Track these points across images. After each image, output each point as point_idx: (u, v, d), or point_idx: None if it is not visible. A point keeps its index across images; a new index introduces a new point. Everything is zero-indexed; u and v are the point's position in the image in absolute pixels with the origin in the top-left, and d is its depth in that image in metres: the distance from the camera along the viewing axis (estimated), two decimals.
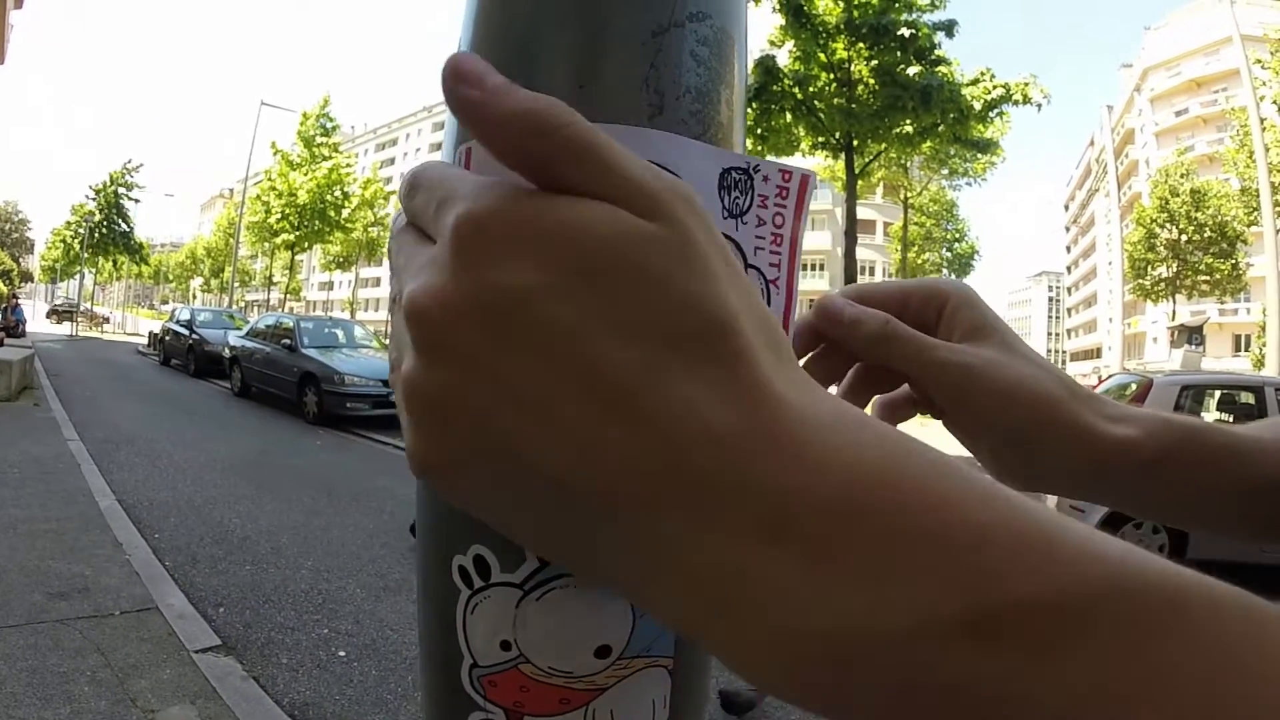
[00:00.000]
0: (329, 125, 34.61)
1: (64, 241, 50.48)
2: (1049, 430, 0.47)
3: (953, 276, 35.86)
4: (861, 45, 11.20)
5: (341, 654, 3.95)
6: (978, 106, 12.00)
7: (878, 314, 0.49)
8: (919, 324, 0.51)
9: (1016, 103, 12.27)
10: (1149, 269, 37.28)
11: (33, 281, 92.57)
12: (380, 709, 3.45)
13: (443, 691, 0.44)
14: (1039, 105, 12.20)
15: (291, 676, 3.68)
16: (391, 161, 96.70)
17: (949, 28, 11.78)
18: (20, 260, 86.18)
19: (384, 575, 5.17)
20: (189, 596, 4.45)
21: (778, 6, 11.21)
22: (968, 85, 12.10)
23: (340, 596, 4.74)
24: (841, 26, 11.07)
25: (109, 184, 43.52)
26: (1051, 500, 7.06)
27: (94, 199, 44.23)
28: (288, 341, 13.76)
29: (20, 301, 34.36)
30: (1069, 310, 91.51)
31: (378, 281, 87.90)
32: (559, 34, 0.45)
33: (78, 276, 49.72)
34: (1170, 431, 0.48)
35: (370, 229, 52.32)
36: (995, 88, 12.15)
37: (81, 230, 44.78)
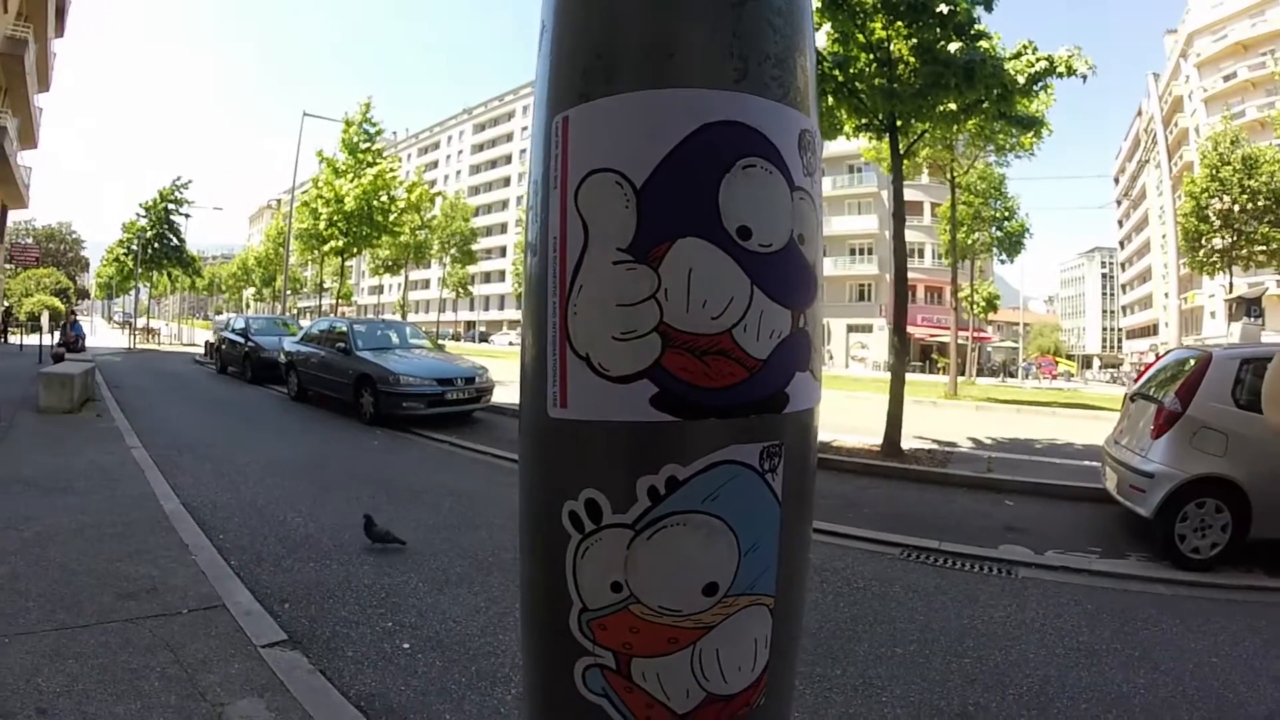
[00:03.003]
0: (372, 131, 34.89)
1: (118, 259, 51.67)
2: None
3: (1003, 256, 34.79)
4: (900, 24, 11.02)
5: (405, 646, 4.01)
6: (1021, 81, 11.74)
7: None
8: None
9: (1061, 75, 11.95)
10: (1202, 241, 36.09)
11: (89, 298, 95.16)
12: (445, 698, 3.50)
13: (549, 640, 0.46)
14: (1084, 77, 11.92)
15: (357, 669, 3.74)
16: (435, 165, 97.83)
17: (988, 1, 11.55)
18: (76, 278, 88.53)
19: (446, 569, 5.24)
20: (255, 594, 4.54)
21: None
22: (1010, 59, 11.83)
23: (403, 590, 4.82)
24: (879, 5, 10.91)
25: (159, 201, 44.47)
26: (1111, 482, 6.92)
27: (145, 216, 45.25)
28: (342, 345, 13.99)
29: (78, 317, 35.32)
30: (1123, 286, 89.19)
31: (427, 283, 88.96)
32: (644, 6, 0.51)
33: (133, 291, 50.90)
34: None
35: (418, 232, 52.72)
36: (1038, 60, 11.85)
37: (134, 247, 45.84)
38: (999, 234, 37.76)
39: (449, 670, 3.76)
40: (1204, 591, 5.52)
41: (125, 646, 3.70)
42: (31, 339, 30.63)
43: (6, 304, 48.78)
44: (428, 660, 3.86)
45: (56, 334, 27.20)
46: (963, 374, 34.80)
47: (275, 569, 5.11)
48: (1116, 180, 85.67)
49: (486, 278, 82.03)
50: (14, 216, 45.61)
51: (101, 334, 51.37)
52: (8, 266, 44.05)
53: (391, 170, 35.51)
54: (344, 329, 14.51)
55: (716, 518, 0.42)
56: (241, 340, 20.12)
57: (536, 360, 0.44)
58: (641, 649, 0.44)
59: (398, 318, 58.72)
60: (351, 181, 33.51)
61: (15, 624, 3.89)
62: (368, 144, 34.70)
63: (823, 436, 11.28)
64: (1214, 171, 35.04)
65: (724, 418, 0.42)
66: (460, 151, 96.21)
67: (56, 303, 53.72)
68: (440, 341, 18.21)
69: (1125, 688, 3.84)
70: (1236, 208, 34.35)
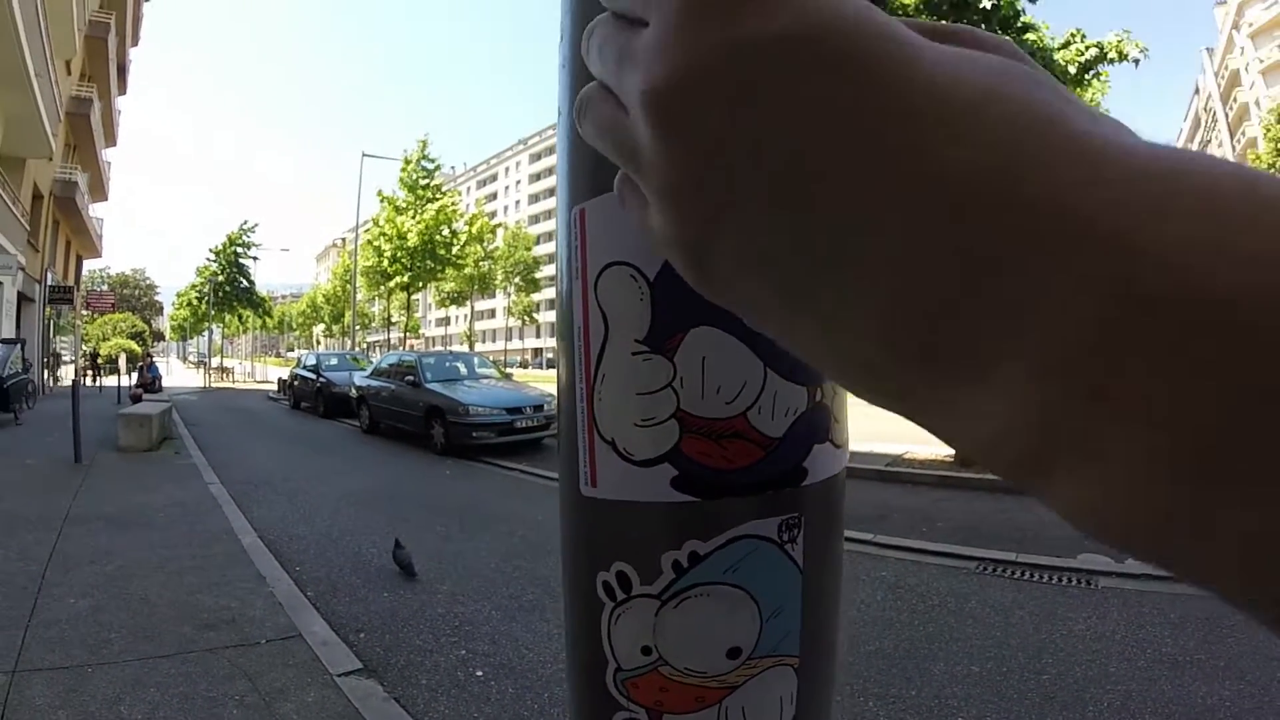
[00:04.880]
0: (430, 167, 35.64)
1: (190, 303, 53.63)
2: None
3: None
4: (944, 22, 10.93)
5: (479, 673, 4.05)
6: (1073, 71, 11.54)
7: None
8: None
9: (1112, 61, 11.74)
10: None
11: (164, 340, 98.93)
12: None
13: (589, 694, 0.49)
14: (1136, 61, 11.66)
15: (431, 696, 3.79)
16: (493, 196, 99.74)
17: None
18: (151, 322, 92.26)
19: (518, 596, 5.29)
20: (331, 624, 4.63)
21: None
22: (1059, 50, 11.64)
23: (476, 618, 4.86)
24: (921, 6, 10.82)
25: (228, 245, 46.11)
26: None
27: (215, 260, 46.94)
28: (411, 378, 14.20)
29: (155, 359, 36.75)
30: None
31: (493, 313, 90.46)
32: None
33: (206, 332, 52.73)
34: None
35: (481, 263, 53.66)
36: (1088, 48, 11.63)
37: (206, 290, 47.56)
38: None
39: (522, 697, 3.80)
40: None
41: (205, 676, 3.82)
42: (110, 380, 31.83)
43: (87, 348, 50.91)
44: (500, 687, 3.90)
45: (134, 375, 28.24)
46: None
47: (350, 599, 5.21)
48: None
49: (551, 304, 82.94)
50: (89, 265, 47.67)
51: (177, 374, 53.15)
52: (84, 313, 46.00)
53: (452, 205, 36.23)
54: (412, 362, 14.76)
55: (737, 588, 0.44)
56: (313, 376, 20.65)
57: (569, 440, 0.47)
58: (671, 706, 0.46)
59: (465, 348, 59.71)
60: (413, 218, 34.28)
61: (99, 654, 4.04)
62: (427, 180, 35.46)
63: (895, 449, 11.16)
64: (1279, 146, 33.64)
65: (741, 495, 0.44)
66: (518, 181, 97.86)
67: (133, 345, 55.98)
68: (508, 370, 18.40)
69: (1210, 700, 3.70)
70: None
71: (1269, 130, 35.18)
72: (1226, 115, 60.60)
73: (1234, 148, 57.69)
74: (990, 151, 0.18)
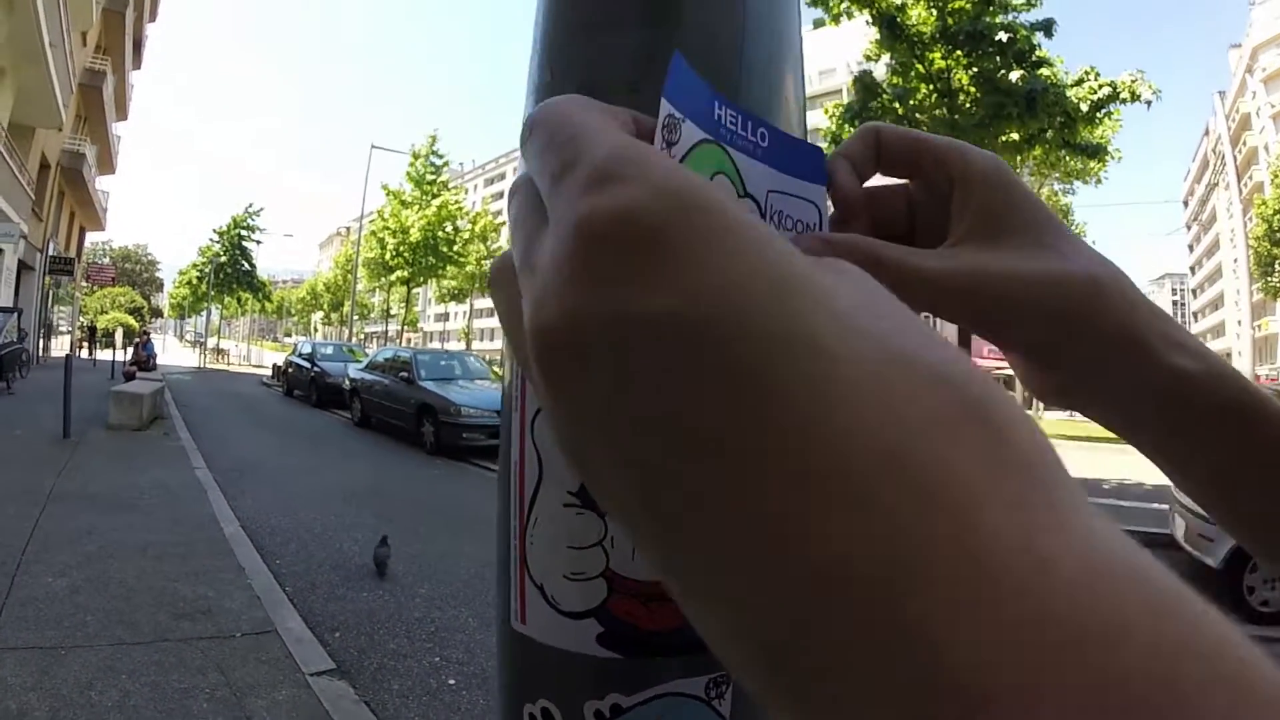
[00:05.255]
0: (438, 163, 35.62)
1: (190, 282, 53.56)
2: (1083, 342, 0.36)
3: None
4: (959, 53, 10.94)
5: (451, 682, 4.05)
6: (1085, 108, 11.58)
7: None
8: (929, 195, 0.41)
9: (1124, 101, 11.79)
10: (1276, 266, 34.70)
11: (162, 317, 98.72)
12: None
13: None
14: (1148, 102, 11.71)
15: (402, 703, 3.79)
16: (500, 195, 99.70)
17: (1047, 27, 11.39)
18: (150, 298, 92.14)
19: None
20: (307, 621, 4.63)
21: (871, 20, 11.11)
22: (1072, 86, 11.67)
23: (453, 625, 4.85)
24: (937, 35, 10.85)
25: (232, 226, 46.13)
26: (1179, 529, 6.65)
27: (218, 241, 46.94)
28: (405, 374, 14.21)
29: (151, 336, 36.63)
30: (1195, 314, 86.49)
31: (492, 312, 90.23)
32: (617, 40, 0.46)
33: (204, 312, 52.69)
34: (1227, 382, 0.37)
35: (483, 262, 53.81)
36: (1101, 86, 11.68)
37: (207, 270, 47.55)
38: None
39: (492, 709, 3.78)
40: (1275, 647, 5.28)
41: (178, 666, 3.82)
42: (105, 355, 31.73)
43: (84, 320, 50.82)
44: (471, 698, 3.90)
45: (129, 351, 28.14)
46: (1029, 409, 33.96)
47: (328, 597, 5.20)
48: (1186, 204, 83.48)
49: None
50: (91, 238, 47.65)
51: (173, 352, 53.00)
52: (84, 284, 45.94)
53: (456, 201, 36.22)
54: (407, 358, 14.81)
55: None
56: (308, 365, 20.68)
57: (504, 571, 0.47)
58: None
59: (462, 346, 59.61)
60: (417, 213, 34.26)
61: (73, 637, 4.03)
62: (434, 176, 35.43)
63: None
64: None
65: (668, 656, 0.44)
66: None
67: (130, 320, 55.90)
68: (501, 370, 18.43)
69: None
70: None
71: (1277, 176, 35.30)
72: (1235, 158, 60.85)
73: (1241, 190, 57.91)
74: (873, 550, 0.16)
